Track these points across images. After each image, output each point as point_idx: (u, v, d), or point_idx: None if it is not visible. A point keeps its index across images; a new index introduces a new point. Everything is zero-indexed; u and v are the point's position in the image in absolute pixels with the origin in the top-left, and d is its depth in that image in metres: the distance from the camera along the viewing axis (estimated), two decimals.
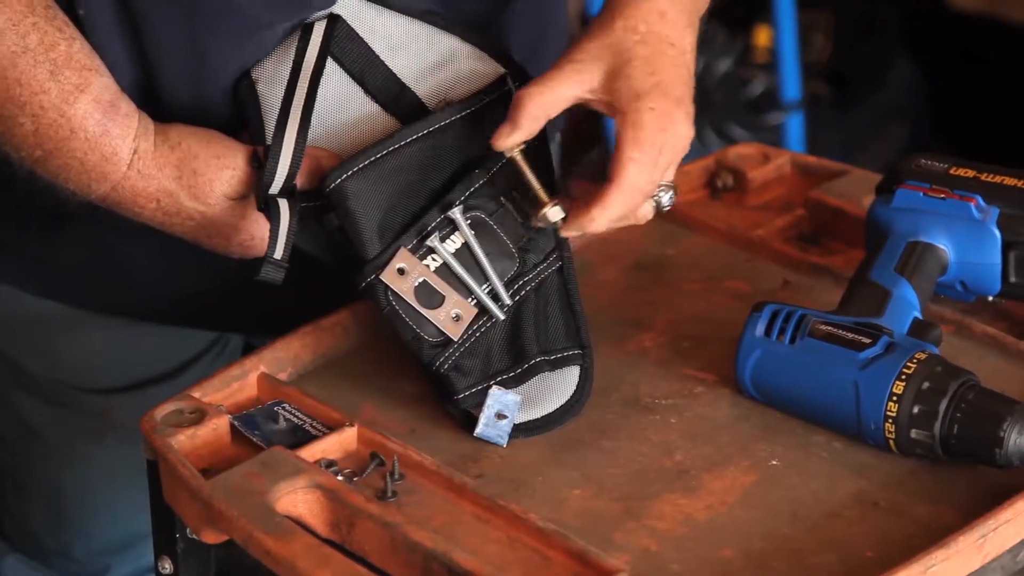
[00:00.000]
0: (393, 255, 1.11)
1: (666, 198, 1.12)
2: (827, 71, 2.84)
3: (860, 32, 2.87)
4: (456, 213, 1.12)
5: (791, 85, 2.68)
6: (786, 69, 2.66)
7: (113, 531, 1.39)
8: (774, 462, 1.07)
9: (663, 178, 1.10)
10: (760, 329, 1.11)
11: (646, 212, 1.11)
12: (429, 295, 1.11)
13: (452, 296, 1.11)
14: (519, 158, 1.11)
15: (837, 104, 2.84)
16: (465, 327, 1.11)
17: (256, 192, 1.11)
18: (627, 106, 1.08)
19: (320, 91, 1.14)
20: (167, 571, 1.10)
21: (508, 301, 1.12)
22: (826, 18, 2.85)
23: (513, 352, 1.12)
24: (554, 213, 1.10)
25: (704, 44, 2.72)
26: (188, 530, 1.07)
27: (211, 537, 1.03)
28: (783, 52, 2.66)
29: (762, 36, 2.77)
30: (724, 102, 2.73)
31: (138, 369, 1.33)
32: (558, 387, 1.12)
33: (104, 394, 1.34)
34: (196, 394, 1.11)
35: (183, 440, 1.07)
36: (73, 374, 1.34)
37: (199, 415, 1.09)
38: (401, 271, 1.11)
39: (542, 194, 1.11)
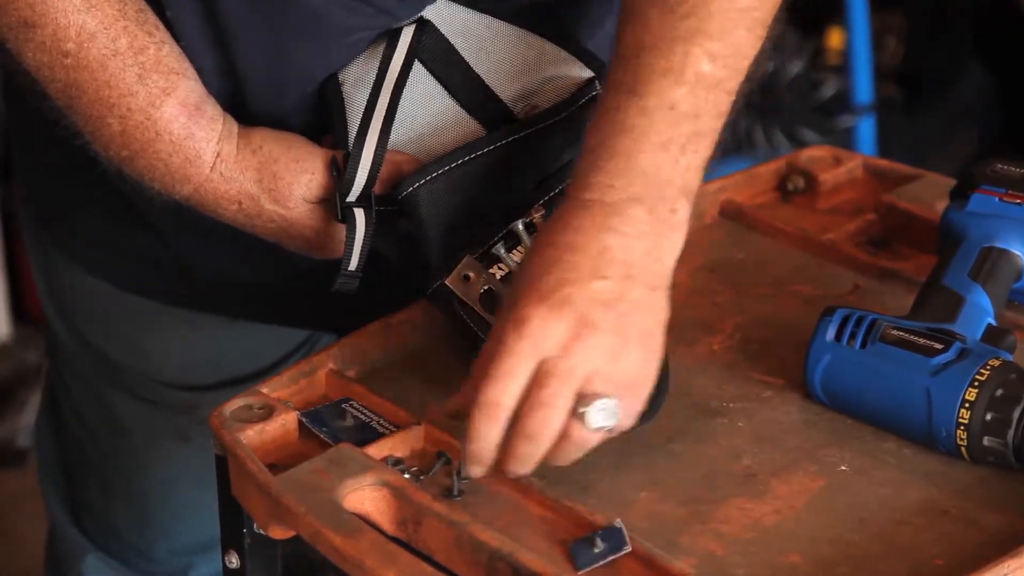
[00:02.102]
0: (459, 262, 1.11)
1: (594, 412, 0.98)
2: (899, 74, 2.82)
3: (932, 35, 2.84)
4: (518, 226, 1.12)
5: (863, 88, 2.66)
6: (858, 72, 2.64)
7: (196, 531, 1.40)
8: (843, 468, 1.07)
9: (572, 390, 0.98)
10: (830, 333, 1.10)
11: (577, 434, 0.99)
12: (495, 302, 1.11)
13: None
14: None
15: (908, 107, 2.82)
16: None
17: (333, 200, 1.12)
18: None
19: (405, 94, 1.14)
20: (234, 565, 1.10)
21: None
22: (899, 21, 2.82)
23: None
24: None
25: (775, 46, 2.71)
26: (255, 525, 1.07)
27: (278, 533, 1.04)
28: (855, 55, 2.64)
29: (834, 38, 2.75)
30: (795, 104, 2.72)
31: (227, 367, 1.34)
32: None
33: (192, 391, 1.35)
34: (265, 390, 1.11)
35: (251, 435, 1.07)
36: (162, 370, 1.35)
37: (267, 411, 1.09)
38: (466, 278, 1.11)
39: None
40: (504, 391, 0.98)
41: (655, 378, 1.02)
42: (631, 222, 1.01)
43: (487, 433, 0.99)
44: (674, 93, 1.03)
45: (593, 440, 1.00)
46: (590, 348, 0.99)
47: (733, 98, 1.06)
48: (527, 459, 1.00)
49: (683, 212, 1.03)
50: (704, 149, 1.04)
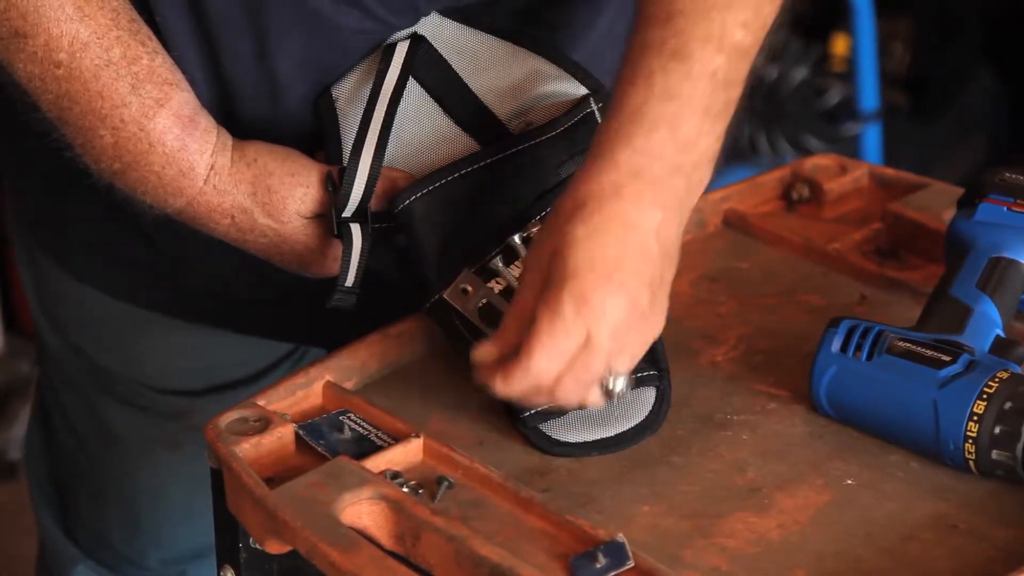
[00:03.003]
0: (456, 275, 1.10)
1: (619, 386, 1.04)
2: (906, 81, 2.81)
3: (940, 41, 2.83)
4: (516, 240, 1.11)
5: (869, 95, 2.65)
6: (864, 78, 2.63)
7: (188, 539, 1.39)
8: (849, 481, 1.05)
9: (608, 364, 1.02)
10: (836, 345, 1.09)
11: (594, 400, 1.04)
12: (493, 316, 1.10)
13: None
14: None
15: (916, 114, 2.80)
16: None
17: (328, 215, 1.11)
18: (550, 287, 1.01)
19: (400, 110, 1.14)
20: None
21: None
22: (906, 27, 2.81)
23: None
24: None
25: (780, 53, 2.70)
26: (251, 540, 1.06)
27: (275, 547, 1.02)
28: (861, 61, 2.63)
29: (839, 45, 2.74)
30: (799, 112, 2.71)
31: (218, 372, 1.34)
32: (633, 407, 1.11)
33: (182, 396, 1.34)
34: (261, 402, 1.10)
35: (247, 448, 1.06)
36: (152, 375, 1.34)
37: (263, 423, 1.08)
38: (464, 291, 1.10)
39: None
40: (556, 364, 1.01)
41: None
42: (675, 195, 1.04)
43: (518, 389, 1.03)
44: (715, 61, 1.04)
45: (602, 404, 1.05)
46: (635, 333, 1.03)
47: (752, 68, 1.08)
48: (536, 405, 1.05)
49: (706, 179, 1.07)
50: (730, 117, 1.07)
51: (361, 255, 1.10)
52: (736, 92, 1.06)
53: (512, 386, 1.03)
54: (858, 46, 2.63)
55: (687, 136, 1.04)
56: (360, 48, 1.15)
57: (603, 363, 1.03)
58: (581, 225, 1.02)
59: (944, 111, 2.81)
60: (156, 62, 1.10)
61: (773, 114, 2.71)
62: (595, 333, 1.01)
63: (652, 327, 1.04)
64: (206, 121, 1.11)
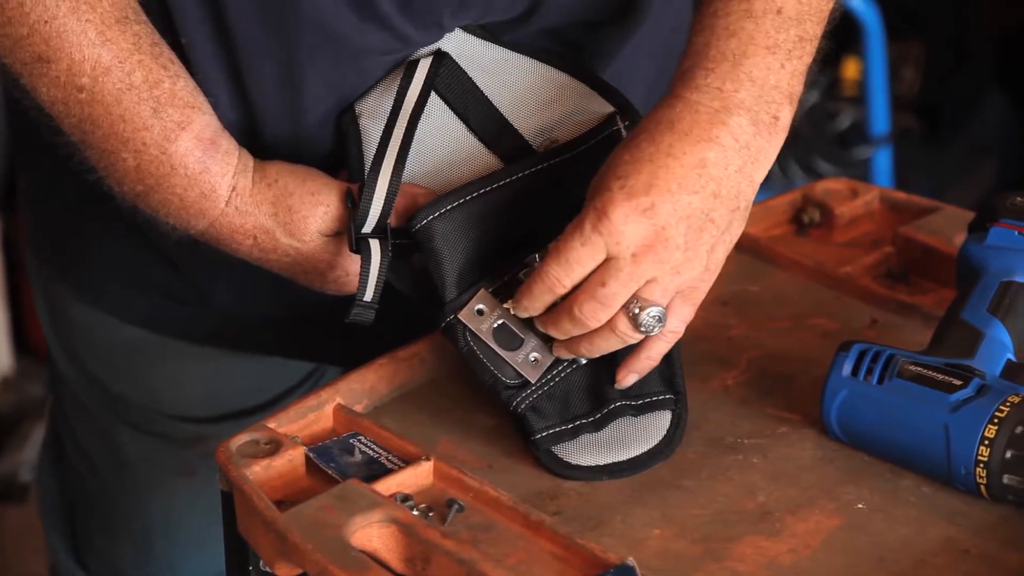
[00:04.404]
0: (473, 295, 1.10)
1: (646, 316, 1.04)
2: (917, 104, 2.81)
3: (952, 65, 2.83)
4: (536, 260, 1.10)
5: (880, 119, 2.64)
6: (875, 102, 2.63)
7: (201, 568, 1.39)
8: (860, 506, 1.05)
9: (630, 289, 1.03)
10: (847, 369, 1.09)
11: (623, 328, 1.04)
12: (508, 337, 1.10)
13: (531, 339, 1.10)
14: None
15: (927, 138, 2.80)
16: (543, 370, 1.10)
17: (348, 231, 1.11)
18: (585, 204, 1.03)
19: (422, 127, 1.13)
20: None
21: None
22: (917, 51, 2.81)
23: (594, 396, 1.11)
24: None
25: None
26: (262, 563, 1.06)
27: (285, 570, 1.02)
28: (872, 85, 2.63)
29: (851, 69, 2.74)
30: (811, 136, 2.70)
31: (233, 400, 1.33)
32: (647, 431, 1.10)
33: (197, 423, 1.34)
34: (272, 425, 1.10)
35: (258, 471, 1.06)
36: (167, 403, 1.34)
37: (274, 446, 1.08)
38: (480, 312, 1.10)
39: None
40: (567, 274, 1.04)
41: (707, 290, 1.06)
42: (733, 132, 1.04)
43: (540, 298, 1.06)
44: None
45: (634, 339, 1.06)
46: (659, 261, 1.03)
47: (832, 3, 1.09)
48: (566, 332, 1.06)
49: (785, 118, 1.07)
50: (807, 55, 1.08)
51: (380, 271, 1.10)
52: (812, 29, 1.07)
53: (531, 296, 1.05)
54: (869, 70, 2.63)
55: (750, 72, 1.05)
56: (384, 69, 1.15)
57: (622, 285, 1.03)
58: (626, 152, 1.04)
59: (955, 135, 2.81)
60: (178, 85, 1.10)
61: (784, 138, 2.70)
62: (613, 251, 1.03)
63: (689, 264, 1.04)
64: (227, 143, 1.12)
